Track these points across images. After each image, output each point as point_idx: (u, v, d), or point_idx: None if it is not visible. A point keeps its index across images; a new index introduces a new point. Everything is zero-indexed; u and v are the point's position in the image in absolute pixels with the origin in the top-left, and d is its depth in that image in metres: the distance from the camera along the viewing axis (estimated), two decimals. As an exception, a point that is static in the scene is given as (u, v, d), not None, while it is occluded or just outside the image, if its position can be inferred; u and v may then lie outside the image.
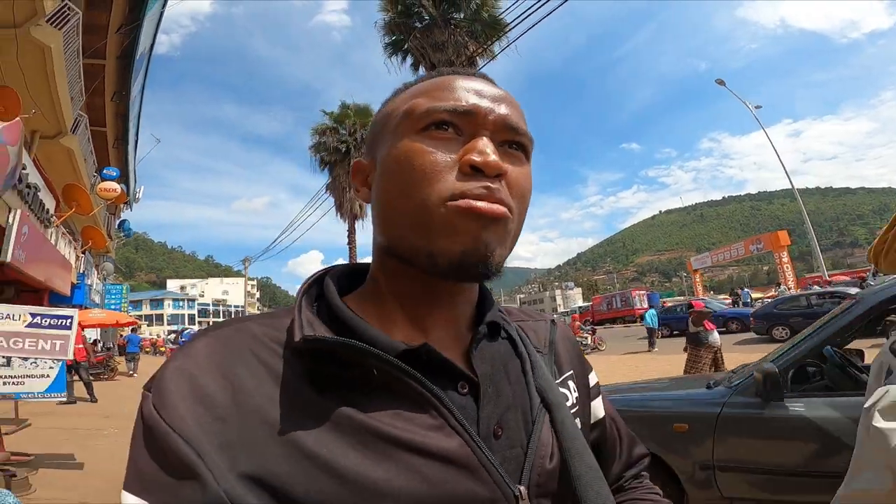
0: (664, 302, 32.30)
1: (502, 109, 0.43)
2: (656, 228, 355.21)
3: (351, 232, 17.54)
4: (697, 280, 38.52)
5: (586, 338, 16.41)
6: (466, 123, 0.42)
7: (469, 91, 0.43)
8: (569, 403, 0.50)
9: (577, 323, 18.81)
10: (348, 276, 0.50)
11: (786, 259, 26.91)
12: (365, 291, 0.48)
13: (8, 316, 3.90)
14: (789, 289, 21.85)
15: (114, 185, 12.29)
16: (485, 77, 0.47)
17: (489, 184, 0.40)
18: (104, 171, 12.63)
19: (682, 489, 2.40)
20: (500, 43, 11.76)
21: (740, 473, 2.26)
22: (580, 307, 42.84)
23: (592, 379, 0.60)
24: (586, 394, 0.57)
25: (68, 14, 7.41)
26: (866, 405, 0.82)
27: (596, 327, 19.96)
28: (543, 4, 8.14)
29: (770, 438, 2.19)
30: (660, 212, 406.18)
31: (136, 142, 17.07)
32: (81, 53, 8.79)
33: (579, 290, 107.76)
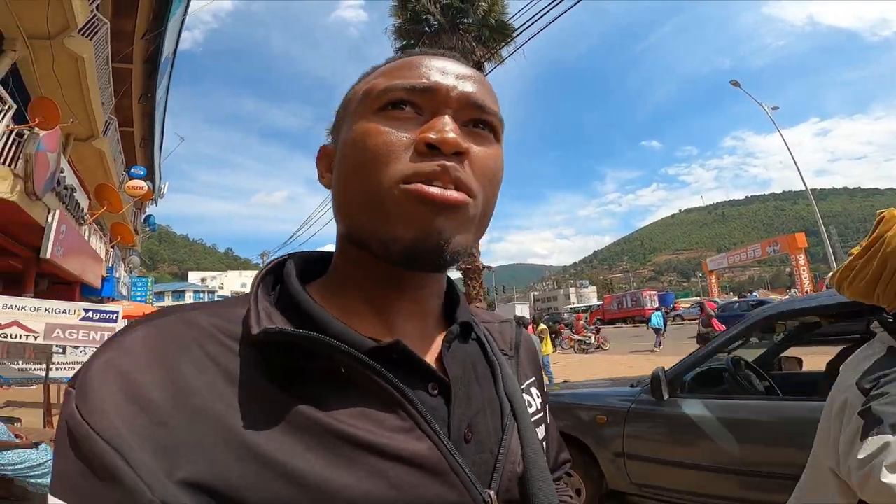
0: (677, 304, 32.17)
1: (467, 87, 0.41)
2: (675, 227, 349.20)
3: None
4: (713, 281, 38.19)
5: (590, 337, 16.68)
6: (427, 101, 0.40)
7: (431, 69, 0.41)
8: (533, 409, 0.50)
9: (581, 322, 19.06)
10: (313, 264, 0.48)
11: (802, 261, 26.65)
12: (328, 279, 0.46)
13: (65, 311, 4.49)
14: (803, 292, 21.68)
15: (141, 182, 12.97)
16: (453, 56, 0.45)
17: (445, 162, 0.37)
18: (132, 170, 13.32)
19: (602, 472, 2.75)
20: (508, 47, 12.03)
21: (644, 462, 2.58)
22: (574, 307, 42.73)
23: (545, 384, 0.60)
24: (545, 399, 0.57)
25: (97, 24, 7.98)
26: (861, 456, 0.75)
27: (601, 327, 20.20)
28: (553, 7, 8.28)
29: (662, 432, 2.50)
30: (679, 210, 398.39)
31: (162, 140, 17.79)
32: (110, 60, 9.41)
33: (594, 288, 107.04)
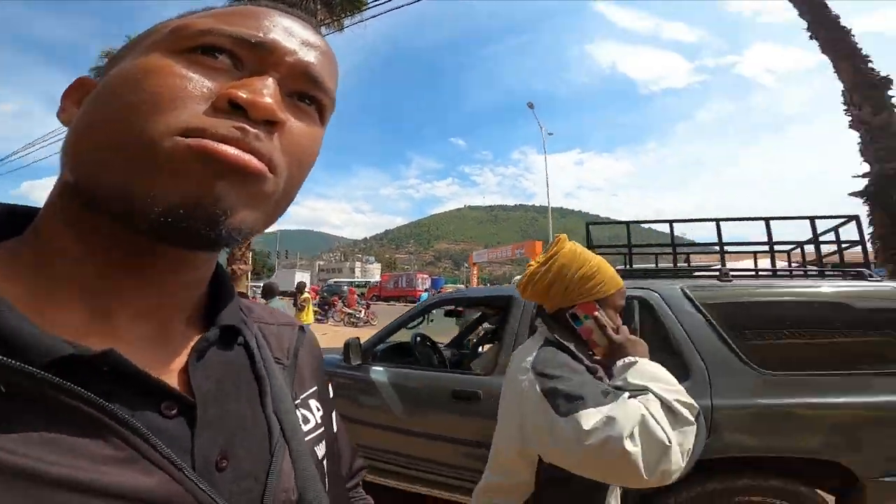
0: (443, 288, 36.62)
1: (309, 56, 0.35)
2: (458, 220, 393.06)
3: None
4: (475, 272, 44.61)
5: (360, 311, 17.58)
6: (253, 58, 0.33)
7: (276, 25, 0.35)
8: (310, 426, 0.45)
9: (355, 296, 19.98)
10: (9, 218, 0.35)
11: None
12: (18, 247, 0.33)
13: None
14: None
15: None
16: (307, 20, 0.38)
17: (248, 127, 0.30)
18: None
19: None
20: (352, 17, 11.61)
21: (345, 421, 2.92)
22: (355, 282, 44.64)
23: (331, 391, 0.54)
24: (329, 410, 0.51)
25: None
26: (588, 427, 0.85)
27: (372, 302, 21.51)
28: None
29: (355, 395, 2.86)
30: (465, 206, 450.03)
31: None
32: None
33: (379, 265, 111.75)
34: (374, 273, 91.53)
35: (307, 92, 0.36)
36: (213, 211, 0.29)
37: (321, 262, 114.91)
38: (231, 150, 0.30)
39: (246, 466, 0.36)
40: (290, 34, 0.35)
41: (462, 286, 32.43)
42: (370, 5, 11.10)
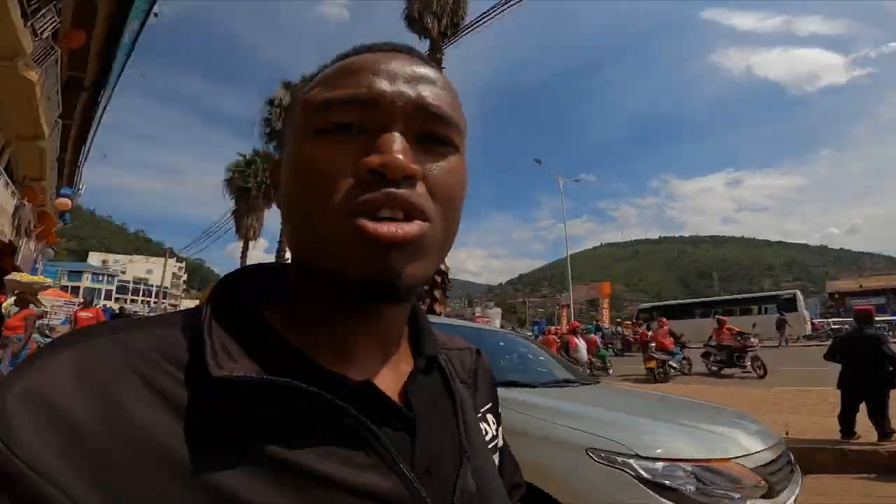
0: (547, 330, 39.80)
1: (419, 91, 0.37)
2: (595, 259, 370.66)
3: (244, 251, 22.08)
4: (563, 314, 46.75)
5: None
6: (370, 116, 0.36)
7: (378, 73, 0.37)
8: (489, 437, 0.52)
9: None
10: (264, 278, 0.44)
11: (605, 305, 35.42)
12: (286, 303, 0.42)
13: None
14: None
15: (67, 201, 16.77)
16: (409, 52, 0.40)
17: (392, 190, 0.34)
18: (62, 191, 16.93)
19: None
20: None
21: None
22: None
23: (498, 407, 0.60)
24: (499, 424, 0.58)
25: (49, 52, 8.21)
26: None
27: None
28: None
29: None
30: (601, 244, 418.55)
31: (90, 147, 18.79)
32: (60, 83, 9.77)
33: (499, 310, 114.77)
34: (495, 318, 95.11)
35: (433, 132, 0.38)
36: (389, 279, 0.35)
37: (448, 308, 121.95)
38: (386, 231, 0.34)
39: (445, 472, 0.41)
40: (393, 76, 0.37)
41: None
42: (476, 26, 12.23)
